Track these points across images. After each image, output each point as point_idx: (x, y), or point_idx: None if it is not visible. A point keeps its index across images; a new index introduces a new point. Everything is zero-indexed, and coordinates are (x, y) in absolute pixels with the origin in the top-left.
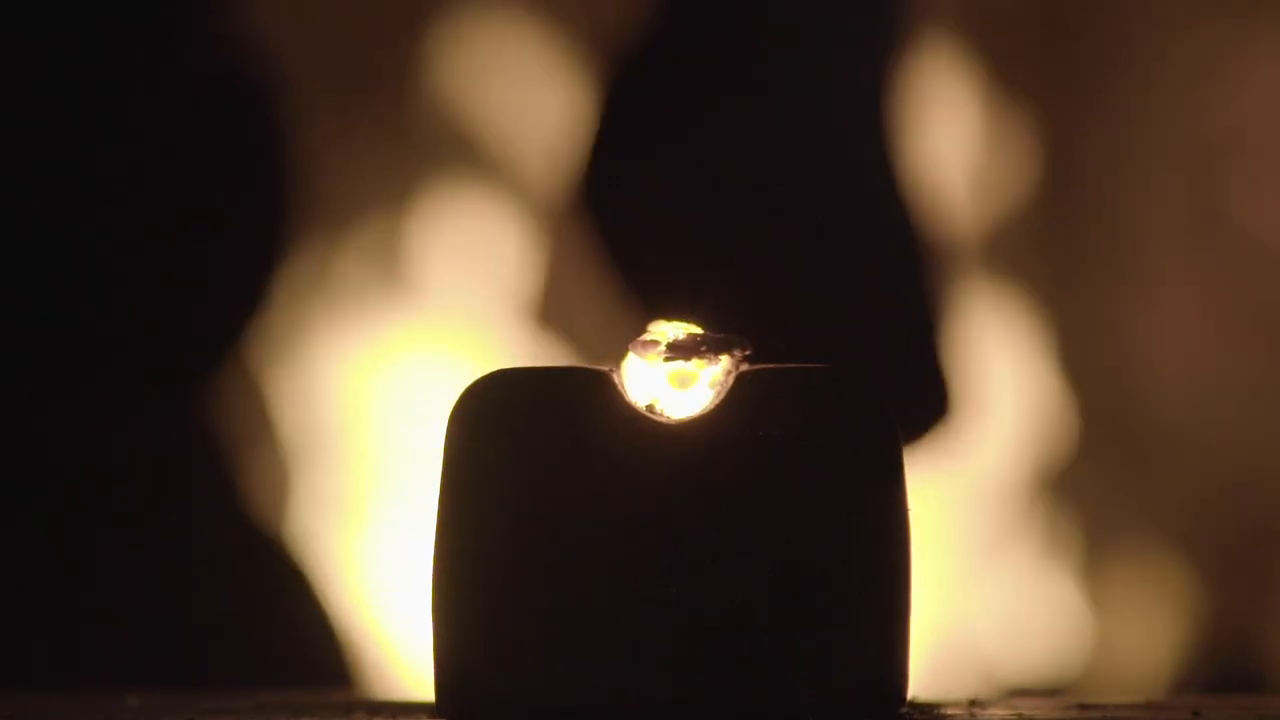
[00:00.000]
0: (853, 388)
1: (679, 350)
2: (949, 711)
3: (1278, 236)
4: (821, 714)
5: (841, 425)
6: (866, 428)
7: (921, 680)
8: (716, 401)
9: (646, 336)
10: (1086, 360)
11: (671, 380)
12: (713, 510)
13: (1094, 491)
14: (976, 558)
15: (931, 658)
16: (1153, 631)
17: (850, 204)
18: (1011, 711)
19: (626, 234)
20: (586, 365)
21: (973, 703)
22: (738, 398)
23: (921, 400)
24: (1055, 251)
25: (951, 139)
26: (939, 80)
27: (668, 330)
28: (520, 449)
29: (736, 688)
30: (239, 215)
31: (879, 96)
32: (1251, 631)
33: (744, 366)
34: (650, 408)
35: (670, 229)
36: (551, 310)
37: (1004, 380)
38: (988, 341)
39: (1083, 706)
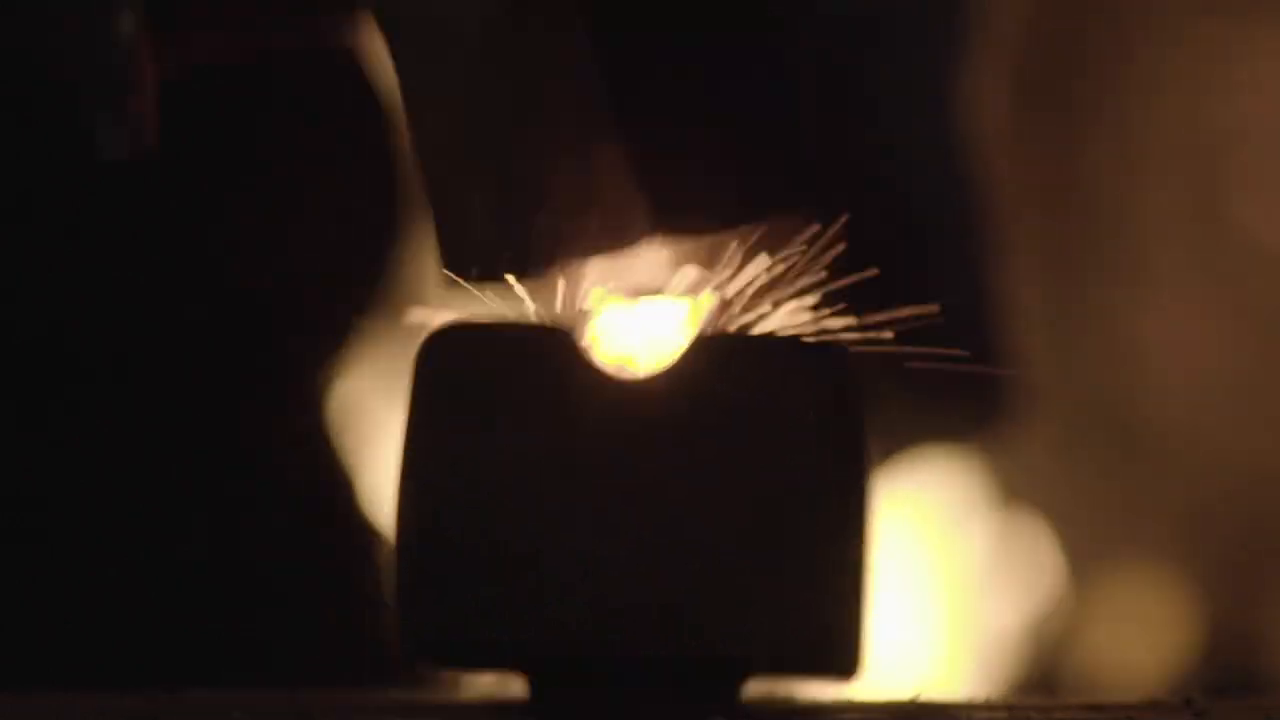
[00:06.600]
0: (817, 354)
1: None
2: (957, 711)
3: (1278, 236)
4: (768, 671)
5: (801, 390)
6: (825, 395)
7: (926, 680)
8: (678, 362)
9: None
10: (1085, 359)
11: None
12: (667, 469)
13: (1094, 489)
14: (977, 559)
15: (936, 658)
16: (1155, 630)
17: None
18: (1015, 711)
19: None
20: (547, 318)
21: (986, 703)
22: (698, 359)
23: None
24: (1055, 249)
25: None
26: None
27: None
28: (478, 401)
29: (687, 645)
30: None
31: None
32: (1254, 631)
33: (708, 328)
34: (611, 363)
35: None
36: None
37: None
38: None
39: (1087, 706)
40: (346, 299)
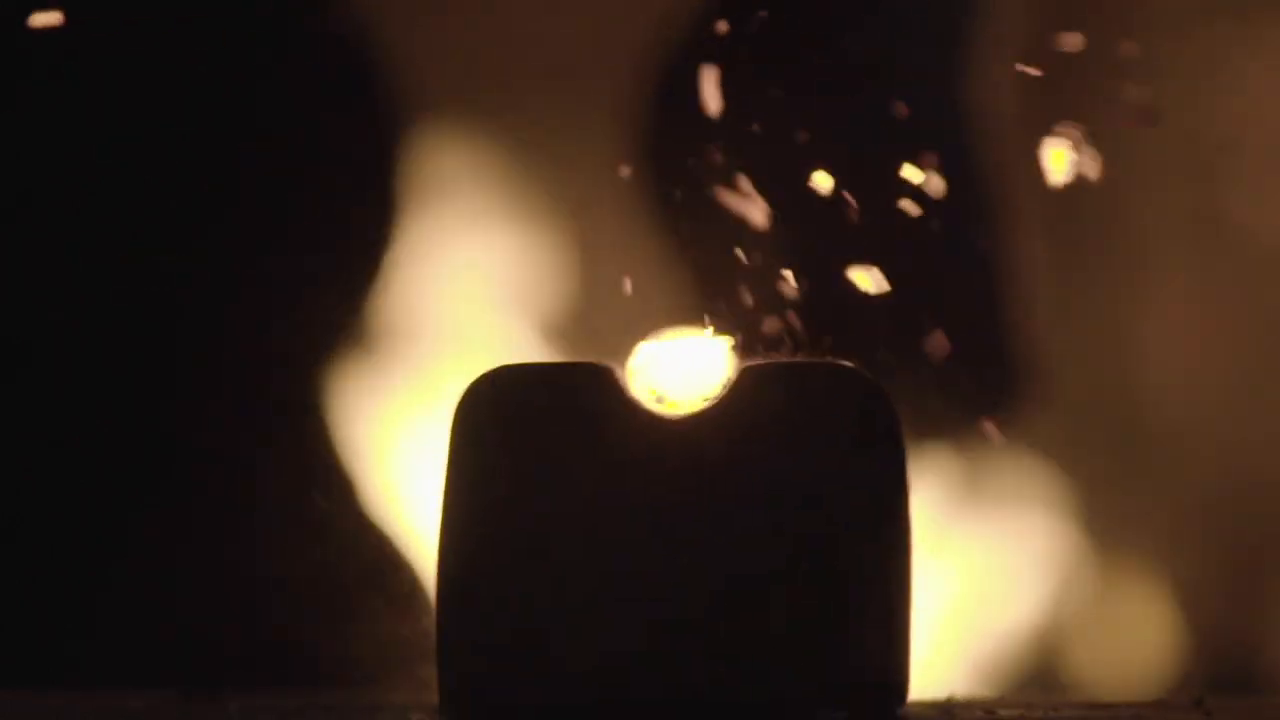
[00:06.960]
0: (856, 382)
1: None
2: (966, 710)
3: (1278, 236)
4: (820, 708)
5: (843, 420)
6: (869, 423)
7: (930, 678)
8: (719, 396)
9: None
10: (1086, 359)
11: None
12: (714, 504)
13: (1094, 488)
14: (977, 556)
15: (938, 656)
16: (1163, 629)
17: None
18: (1025, 710)
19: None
20: (590, 360)
21: (997, 702)
22: (740, 392)
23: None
24: (1054, 248)
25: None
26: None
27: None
28: (524, 444)
29: (739, 684)
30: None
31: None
32: (1263, 630)
33: (747, 361)
34: (654, 402)
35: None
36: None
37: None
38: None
39: (1096, 706)
40: (345, 300)
